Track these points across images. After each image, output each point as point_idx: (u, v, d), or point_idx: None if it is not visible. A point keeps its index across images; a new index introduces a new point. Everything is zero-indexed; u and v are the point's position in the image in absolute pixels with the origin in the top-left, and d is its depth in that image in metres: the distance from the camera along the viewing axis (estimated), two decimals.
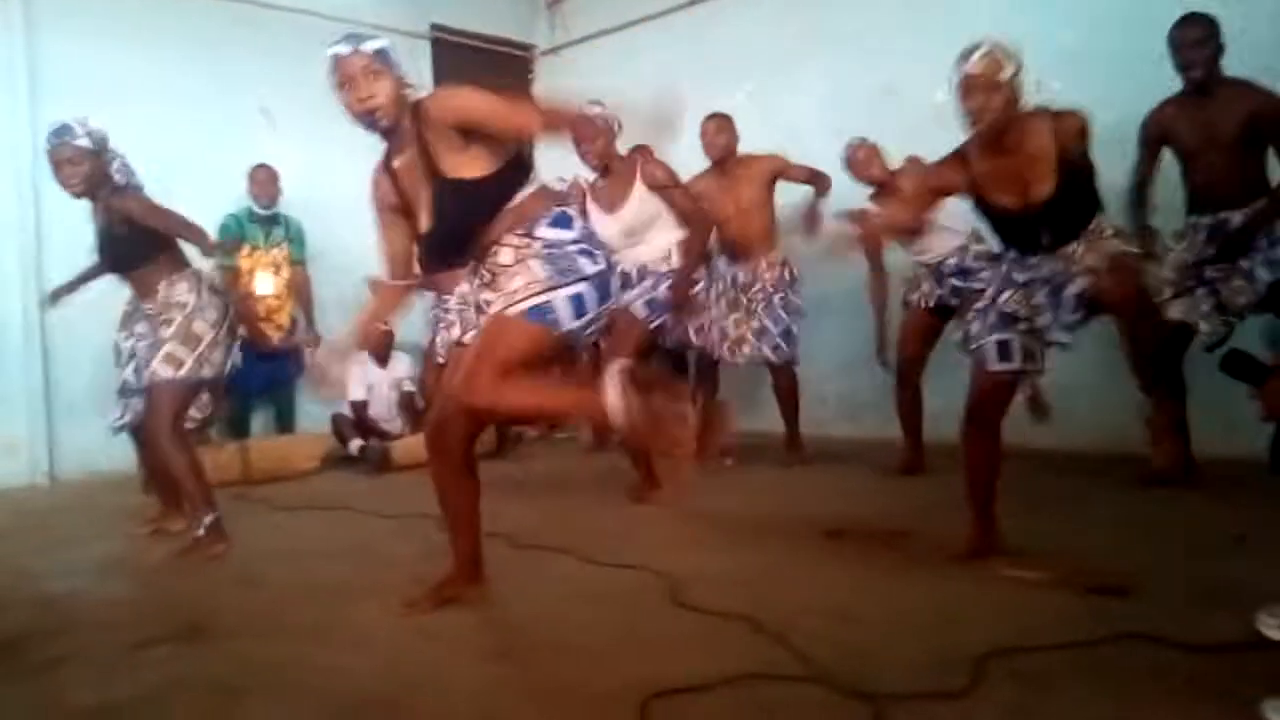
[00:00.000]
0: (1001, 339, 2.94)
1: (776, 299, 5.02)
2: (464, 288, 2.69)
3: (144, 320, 3.74)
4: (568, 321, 2.43)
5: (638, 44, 6.97)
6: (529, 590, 2.91)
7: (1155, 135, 3.98)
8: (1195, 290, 3.88)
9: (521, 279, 2.43)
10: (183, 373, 3.60)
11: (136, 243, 3.68)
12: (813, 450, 5.17)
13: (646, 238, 4.42)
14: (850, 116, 5.74)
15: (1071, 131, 2.82)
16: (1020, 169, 2.84)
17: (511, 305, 2.42)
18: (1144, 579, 2.73)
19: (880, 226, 4.15)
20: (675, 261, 4.42)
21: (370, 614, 2.80)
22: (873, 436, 5.48)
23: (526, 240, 2.49)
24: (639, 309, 4.33)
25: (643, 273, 4.42)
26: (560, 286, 2.42)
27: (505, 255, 2.50)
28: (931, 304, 4.66)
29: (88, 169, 3.62)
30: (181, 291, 3.68)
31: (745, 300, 5.04)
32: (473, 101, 2.49)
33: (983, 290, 3.11)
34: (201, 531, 3.62)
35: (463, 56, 7.41)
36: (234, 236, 5.74)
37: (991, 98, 2.75)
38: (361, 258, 6.43)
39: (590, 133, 4.21)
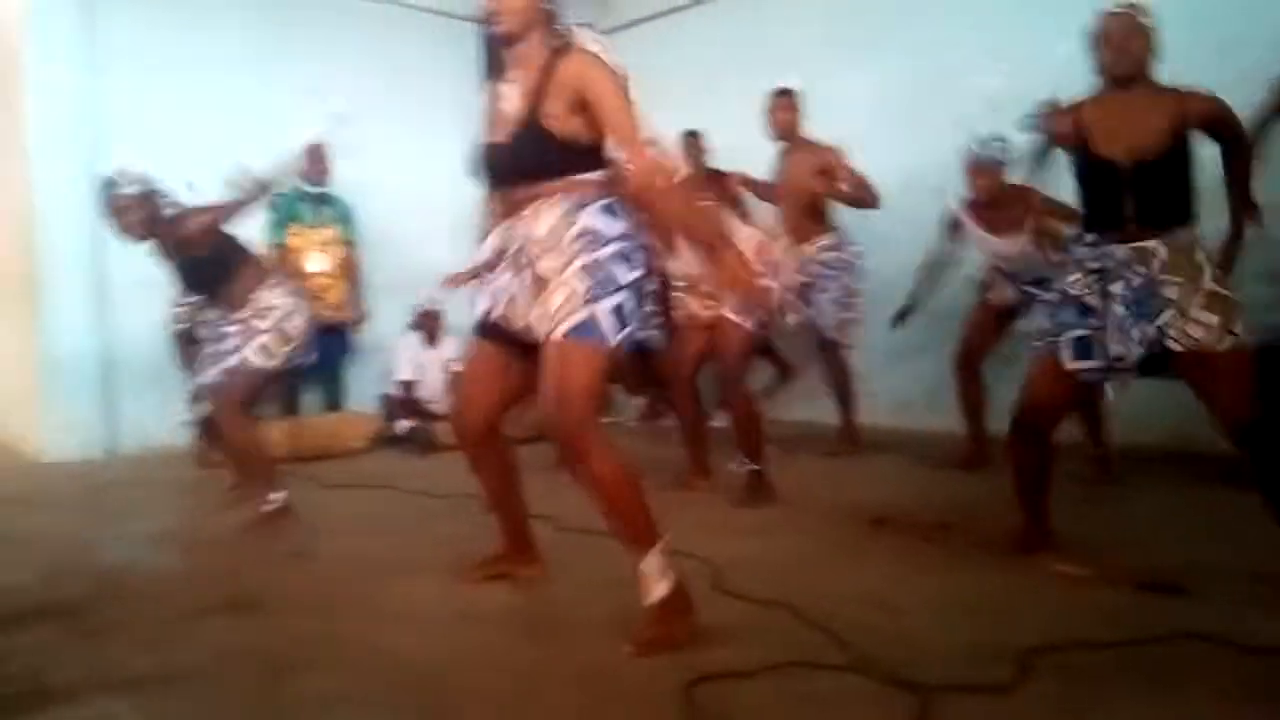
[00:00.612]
0: (1079, 334, 2.82)
1: (827, 284, 5.00)
2: (492, 248, 2.58)
3: (227, 324, 3.88)
4: (612, 334, 2.37)
5: (688, 28, 6.94)
6: (574, 573, 2.93)
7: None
8: None
9: (561, 294, 2.37)
10: (273, 364, 3.86)
11: (216, 262, 3.88)
12: (865, 440, 5.14)
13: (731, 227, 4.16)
14: (901, 103, 5.70)
15: (1198, 111, 2.75)
16: (1136, 118, 2.76)
17: (556, 327, 2.36)
18: (1199, 578, 2.69)
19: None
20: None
21: (418, 591, 2.85)
22: (925, 429, 5.44)
23: (569, 227, 2.40)
24: (729, 315, 4.03)
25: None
26: (600, 299, 2.36)
27: (550, 260, 2.40)
28: (1010, 304, 4.52)
29: (144, 214, 3.80)
30: (277, 295, 3.91)
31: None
32: (610, 81, 2.38)
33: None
34: (267, 510, 3.76)
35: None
36: (283, 216, 5.81)
37: (1134, 41, 2.75)
38: (409, 237, 6.57)
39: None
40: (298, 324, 3.94)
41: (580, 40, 2.46)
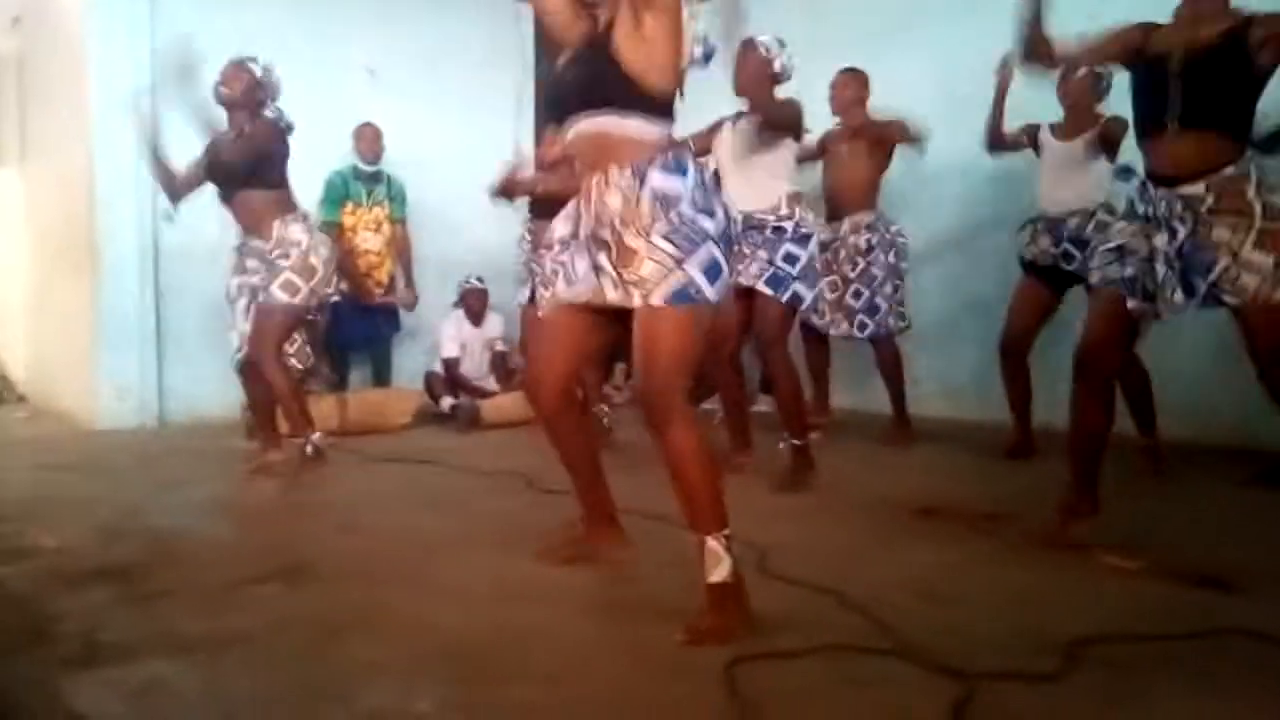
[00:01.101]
0: (1126, 275, 2.78)
1: (867, 265, 4.92)
2: (562, 231, 2.55)
3: (255, 257, 3.97)
4: (711, 292, 2.33)
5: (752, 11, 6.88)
6: (621, 553, 2.94)
7: None
8: None
9: (651, 263, 2.30)
10: (299, 299, 4.01)
11: (252, 166, 4.04)
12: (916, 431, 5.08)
13: (757, 182, 3.98)
14: (961, 86, 5.60)
15: (1260, 27, 2.62)
16: (1198, 23, 2.70)
17: (652, 293, 2.31)
18: (1249, 575, 2.65)
19: None
20: (787, 213, 3.92)
21: (464, 565, 2.88)
22: (972, 418, 5.39)
23: (638, 196, 2.33)
24: (762, 288, 3.90)
25: (750, 222, 3.92)
26: (689, 257, 2.30)
27: (633, 230, 2.34)
28: (1046, 262, 4.41)
29: (245, 85, 4.10)
30: (296, 231, 4.05)
31: (837, 266, 4.96)
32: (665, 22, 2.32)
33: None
34: (309, 450, 4.05)
35: None
36: (339, 194, 5.87)
37: None
38: (459, 217, 6.61)
39: (749, 58, 3.97)
40: (323, 256, 4.09)
41: None
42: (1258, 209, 2.60)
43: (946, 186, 5.56)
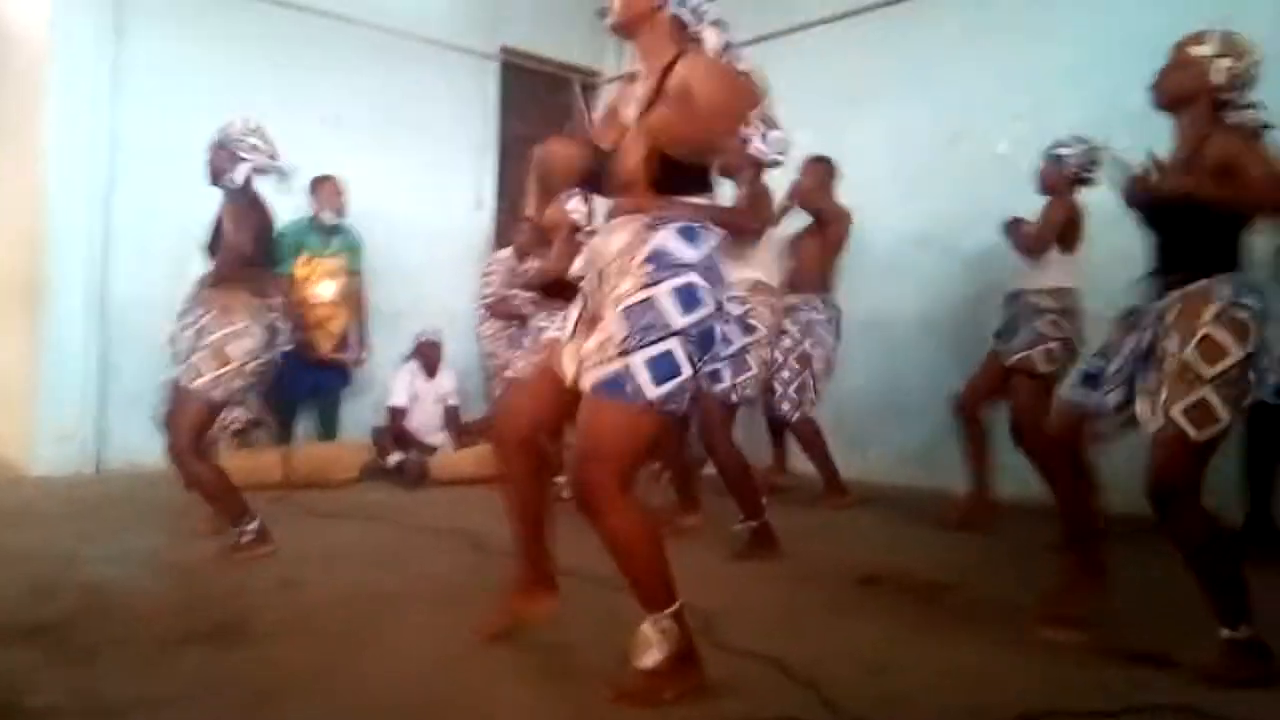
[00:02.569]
0: (1089, 370, 2.83)
1: (788, 347, 4.94)
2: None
3: (195, 318, 3.78)
4: (649, 388, 2.16)
5: None
6: (564, 616, 2.89)
7: None
8: None
9: (599, 337, 2.23)
10: (198, 385, 3.60)
11: (237, 244, 3.75)
12: (860, 495, 5.12)
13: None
14: (913, 162, 5.75)
15: (1215, 149, 2.57)
16: (1175, 153, 2.70)
17: (586, 375, 2.23)
18: (1186, 649, 2.68)
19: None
20: (740, 296, 3.84)
21: (403, 624, 2.84)
22: (921, 486, 5.45)
23: (638, 246, 2.26)
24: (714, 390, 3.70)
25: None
26: (639, 348, 2.17)
27: (615, 283, 2.27)
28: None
29: (224, 164, 3.82)
30: (238, 313, 3.69)
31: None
32: (710, 84, 2.21)
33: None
34: (244, 539, 3.68)
35: (531, 79, 7.53)
36: (292, 245, 5.82)
37: (1168, 72, 2.71)
38: (416, 268, 6.61)
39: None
40: (244, 348, 3.66)
41: (705, 41, 2.35)
42: (1197, 335, 2.49)
43: (899, 257, 5.67)
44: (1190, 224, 2.60)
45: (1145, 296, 2.72)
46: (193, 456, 3.68)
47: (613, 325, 2.22)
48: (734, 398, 3.95)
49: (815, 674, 2.44)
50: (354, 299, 6.06)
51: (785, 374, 4.96)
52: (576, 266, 2.52)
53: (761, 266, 4.08)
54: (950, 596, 3.30)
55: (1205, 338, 2.48)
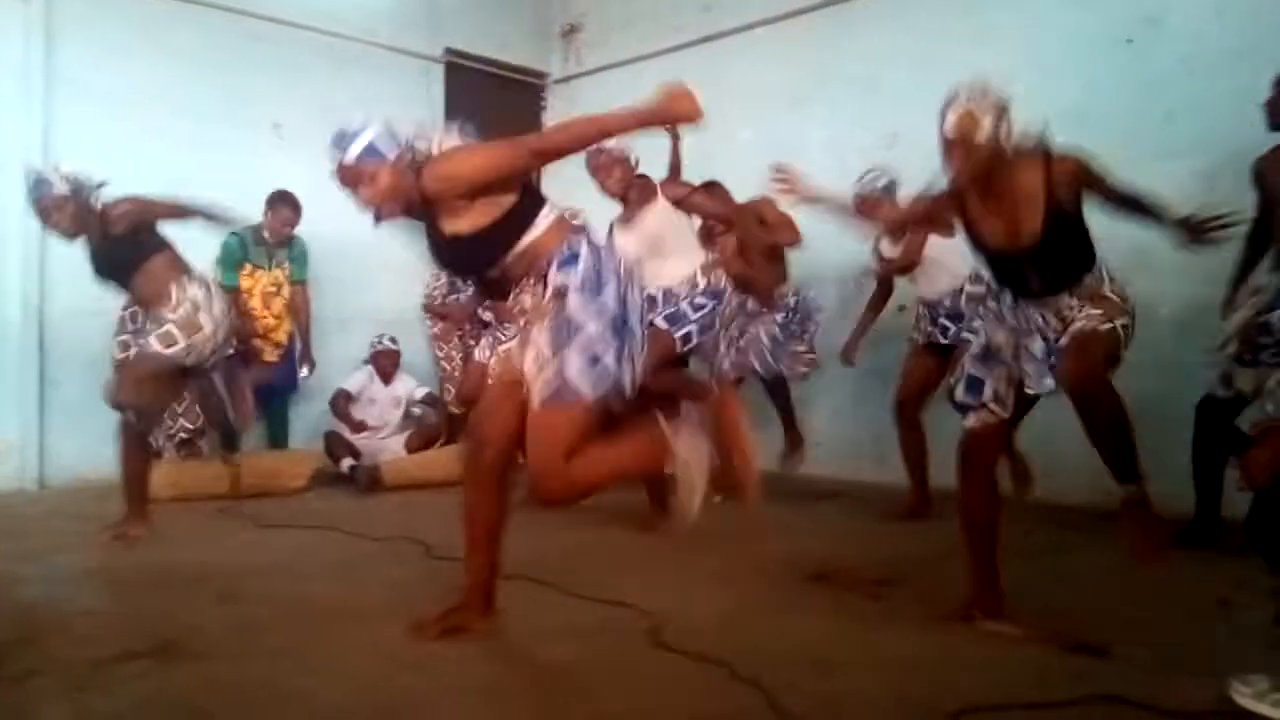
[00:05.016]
0: (972, 375, 2.93)
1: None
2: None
3: (154, 321, 3.96)
4: (586, 384, 2.44)
5: (648, 78, 6.95)
6: (514, 623, 2.89)
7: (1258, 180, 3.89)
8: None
9: (530, 353, 2.48)
10: (172, 351, 3.87)
11: (131, 245, 3.95)
12: (806, 486, 5.23)
13: (666, 256, 4.36)
14: (854, 160, 5.78)
15: (1065, 176, 2.73)
16: (1009, 210, 2.77)
17: (533, 394, 2.47)
18: (1124, 640, 2.73)
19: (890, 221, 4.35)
20: (699, 284, 4.35)
21: (348, 637, 2.80)
22: (870, 480, 5.52)
23: (540, 290, 2.55)
24: (660, 322, 4.22)
25: (667, 295, 4.35)
26: (565, 349, 2.44)
27: (539, 327, 2.55)
28: (924, 341, 4.74)
29: (72, 210, 3.90)
30: (194, 289, 3.98)
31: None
32: (467, 168, 2.54)
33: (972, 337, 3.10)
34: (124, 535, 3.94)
35: (476, 82, 7.48)
36: (236, 257, 5.74)
37: (970, 157, 2.72)
38: (363, 275, 6.55)
39: (606, 163, 4.30)
40: (214, 314, 3.99)
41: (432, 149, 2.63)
42: (1107, 291, 2.79)
43: (838, 255, 5.69)
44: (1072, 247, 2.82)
45: (1020, 310, 2.88)
46: (138, 398, 3.92)
47: (539, 340, 2.49)
48: (688, 346, 4.34)
49: (759, 672, 2.44)
50: (300, 308, 5.98)
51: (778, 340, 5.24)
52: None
53: (698, 250, 4.49)
54: (894, 591, 3.33)
55: (1114, 292, 2.80)
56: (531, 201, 2.61)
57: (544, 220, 2.59)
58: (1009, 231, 2.79)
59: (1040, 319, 2.83)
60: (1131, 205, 2.83)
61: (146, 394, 3.93)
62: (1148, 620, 2.99)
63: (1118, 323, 2.75)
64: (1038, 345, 2.82)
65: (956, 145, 2.74)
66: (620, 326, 2.52)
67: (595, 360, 2.45)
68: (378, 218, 2.63)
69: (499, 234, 2.55)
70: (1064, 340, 2.76)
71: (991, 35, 5.31)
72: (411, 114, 6.85)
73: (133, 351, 4.06)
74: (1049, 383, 2.79)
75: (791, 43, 6.30)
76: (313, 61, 6.51)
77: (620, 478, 2.59)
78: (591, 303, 2.48)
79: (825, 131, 5.97)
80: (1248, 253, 3.83)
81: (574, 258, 2.53)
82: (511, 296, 2.63)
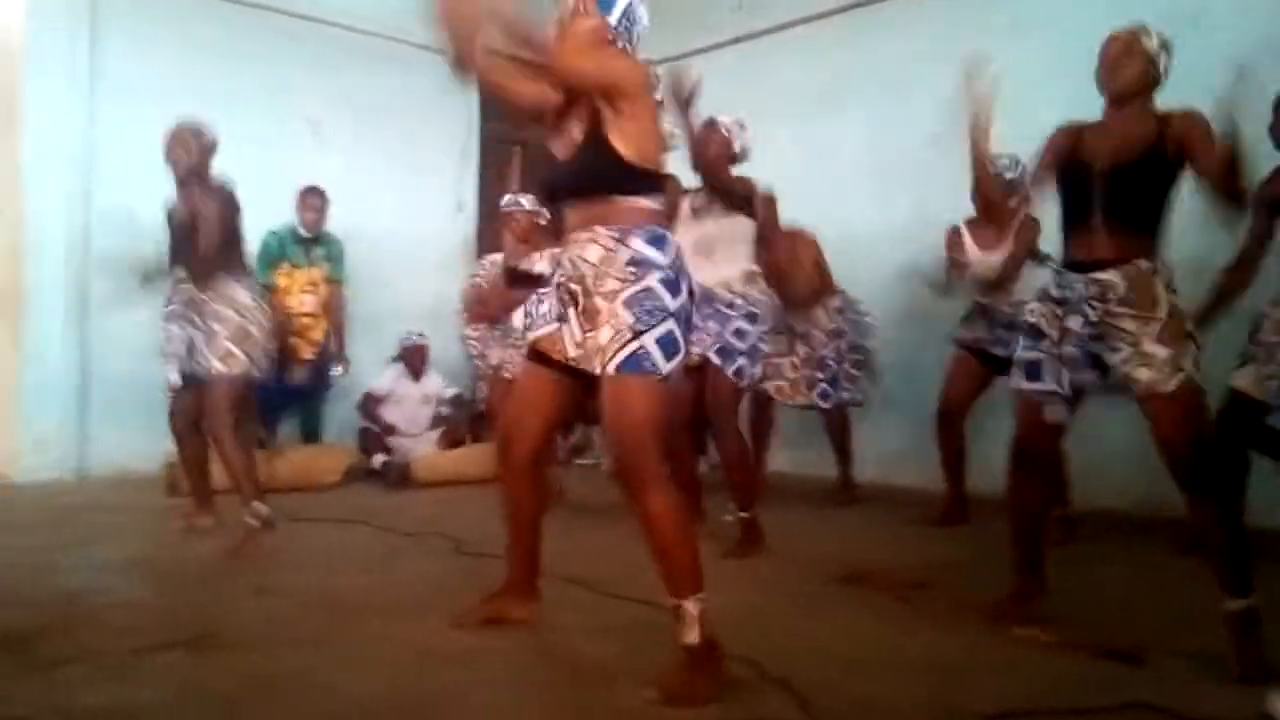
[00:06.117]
0: (1031, 358, 2.86)
1: (836, 344, 5.15)
2: (542, 268, 2.65)
3: (194, 310, 3.98)
4: (664, 364, 2.39)
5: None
6: (544, 620, 2.90)
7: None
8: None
9: (610, 329, 2.39)
10: (239, 370, 3.90)
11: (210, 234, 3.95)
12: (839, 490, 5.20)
13: (716, 259, 4.03)
14: (892, 163, 5.77)
15: (1176, 128, 2.68)
16: (1121, 130, 2.76)
17: (609, 361, 2.39)
18: (1159, 647, 2.70)
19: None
20: (740, 291, 4.01)
21: (381, 631, 2.82)
22: (905, 484, 5.49)
23: (616, 255, 2.43)
24: (715, 359, 3.94)
25: (703, 295, 3.77)
26: (648, 330, 2.37)
27: (602, 289, 2.43)
28: (975, 345, 4.58)
29: (194, 156, 4.05)
30: (241, 293, 3.98)
31: (799, 345, 5.15)
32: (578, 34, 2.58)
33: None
34: (255, 522, 3.86)
35: None
36: (274, 255, 5.81)
37: (1126, 61, 2.76)
38: (398, 272, 6.60)
39: (712, 138, 4.01)
40: (260, 322, 4.01)
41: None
42: (1164, 306, 2.65)
43: (877, 257, 5.67)
44: (1151, 191, 2.71)
45: (1063, 282, 2.81)
46: (233, 437, 3.94)
47: (621, 315, 2.39)
48: (744, 383, 4.06)
49: (790, 673, 2.44)
50: (335, 308, 6.04)
51: (831, 364, 5.13)
52: (540, 266, 2.63)
53: (747, 258, 4.12)
54: (928, 594, 3.31)
55: (1172, 303, 2.66)
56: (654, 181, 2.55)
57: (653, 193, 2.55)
58: (1107, 147, 2.76)
59: (1085, 296, 2.75)
60: (1227, 186, 2.65)
61: (235, 422, 3.98)
62: (1183, 629, 2.94)
63: (1193, 351, 2.63)
64: (1079, 325, 2.75)
65: (1109, 58, 2.79)
66: (688, 325, 2.50)
67: (674, 347, 2.41)
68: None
69: (634, 176, 2.47)
70: (1133, 381, 2.66)
71: (1031, 32, 5.26)
72: (447, 112, 7.05)
73: (182, 348, 4.03)
74: (1090, 377, 2.76)
75: (826, 42, 6.27)
76: (347, 59, 6.56)
77: (666, 532, 2.37)
78: (669, 296, 2.42)
79: (863, 132, 5.93)
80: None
81: (663, 241, 2.47)
82: (577, 241, 2.52)
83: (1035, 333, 2.87)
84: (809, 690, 2.35)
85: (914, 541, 4.29)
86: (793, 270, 5.00)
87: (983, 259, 4.50)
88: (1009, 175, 4.20)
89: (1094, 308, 2.72)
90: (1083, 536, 4.18)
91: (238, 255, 4.10)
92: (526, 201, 5.18)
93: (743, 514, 3.97)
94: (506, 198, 5.33)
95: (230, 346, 3.90)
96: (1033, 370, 2.86)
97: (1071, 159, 2.86)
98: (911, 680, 2.51)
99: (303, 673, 2.46)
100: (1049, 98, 4.95)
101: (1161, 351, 2.61)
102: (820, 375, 5.13)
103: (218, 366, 3.89)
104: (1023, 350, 2.90)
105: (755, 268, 4.13)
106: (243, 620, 2.91)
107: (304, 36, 6.36)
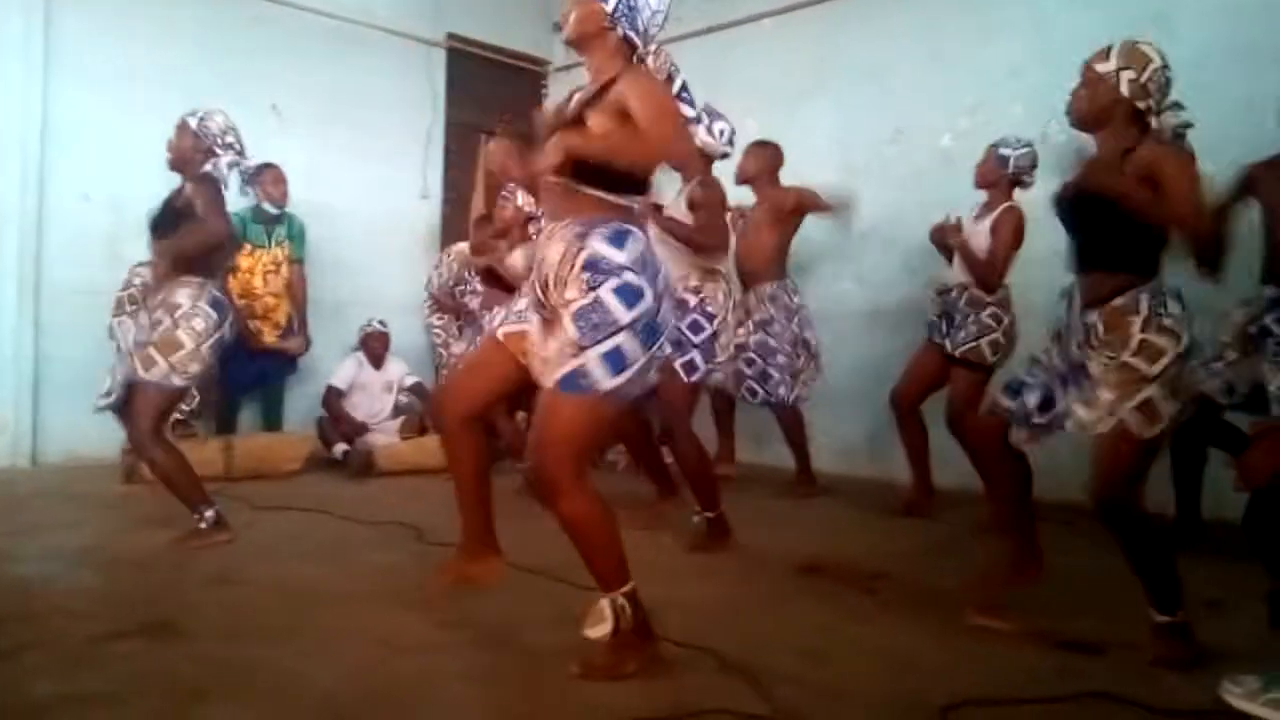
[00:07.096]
0: (1021, 381, 2.86)
1: (764, 335, 5.03)
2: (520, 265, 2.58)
3: (144, 311, 3.83)
4: (606, 380, 2.30)
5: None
6: (504, 610, 2.90)
7: (1244, 187, 3.72)
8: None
9: (556, 342, 2.35)
10: (153, 376, 3.65)
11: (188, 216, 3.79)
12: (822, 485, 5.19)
13: (669, 246, 3.90)
14: (858, 154, 5.80)
15: (1138, 161, 2.58)
16: (1094, 160, 2.72)
17: (549, 375, 2.36)
18: (1116, 637, 2.74)
19: None
20: (696, 286, 3.96)
21: (340, 620, 2.80)
22: (868, 476, 5.53)
23: (574, 256, 2.34)
24: (677, 364, 3.85)
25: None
26: (593, 345, 2.29)
27: (558, 292, 2.36)
28: (933, 338, 4.55)
29: (189, 149, 3.92)
30: (182, 295, 3.75)
31: (753, 335, 5.04)
32: (645, 97, 2.35)
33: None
34: (202, 525, 3.72)
35: (477, 67, 7.46)
36: (237, 235, 5.73)
37: (1083, 90, 2.74)
38: (361, 258, 6.54)
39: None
40: (196, 329, 3.70)
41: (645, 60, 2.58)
42: (1131, 347, 2.55)
43: (843, 249, 5.70)
44: (1112, 228, 2.63)
45: (1070, 307, 2.77)
46: (155, 444, 3.72)
47: (568, 328, 2.33)
48: (694, 379, 3.94)
49: (752, 664, 2.45)
50: (297, 287, 5.97)
51: (781, 359, 5.02)
52: (520, 263, 2.59)
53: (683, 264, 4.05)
54: (889, 585, 3.33)
55: (1143, 342, 2.55)
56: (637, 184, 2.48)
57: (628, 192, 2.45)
58: (1081, 176, 2.71)
59: (1072, 328, 2.73)
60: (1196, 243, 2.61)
61: (158, 429, 3.75)
62: (1142, 620, 2.98)
63: (1139, 399, 2.52)
64: (1058, 361, 2.77)
65: (1088, 75, 2.73)
66: (652, 333, 2.38)
67: (622, 363, 2.32)
68: (568, 42, 2.58)
69: (611, 172, 2.37)
70: (1070, 425, 2.67)
71: (1000, 31, 5.30)
72: (412, 98, 6.98)
73: (122, 345, 3.90)
74: (1029, 403, 2.79)
75: (796, 35, 6.27)
76: (312, 44, 6.47)
77: (584, 535, 2.37)
78: (624, 306, 2.32)
79: (830, 124, 5.94)
80: None
81: (620, 242, 2.36)
82: (543, 234, 2.48)
83: (1035, 361, 2.87)
84: (770, 680, 2.36)
85: (877, 532, 4.31)
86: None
87: (973, 228, 4.44)
88: (1006, 151, 4.30)
89: (1077, 344, 2.70)
90: (1042, 528, 4.20)
91: (219, 257, 3.96)
92: (521, 198, 4.97)
93: (707, 514, 3.95)
94: (509, 185, 5.05)
95: (152, 352, 3.66)
96: (1014, 389, 2.87)
97: (1060, 192, 2.83)
98: (872, 670, 2.53)
99: (263, 661, 2.44)
100: (1015, 94, 5.05)
101: (1106, 395, 2.57)
102: (748, 370, 5.05)
103: (139, 368, 3.67)
104: (1023, 374, 2.90)
105: (716, 264, 4.09)
106: (200, 610, 2.87)
107: (267, 19, 6.26)
